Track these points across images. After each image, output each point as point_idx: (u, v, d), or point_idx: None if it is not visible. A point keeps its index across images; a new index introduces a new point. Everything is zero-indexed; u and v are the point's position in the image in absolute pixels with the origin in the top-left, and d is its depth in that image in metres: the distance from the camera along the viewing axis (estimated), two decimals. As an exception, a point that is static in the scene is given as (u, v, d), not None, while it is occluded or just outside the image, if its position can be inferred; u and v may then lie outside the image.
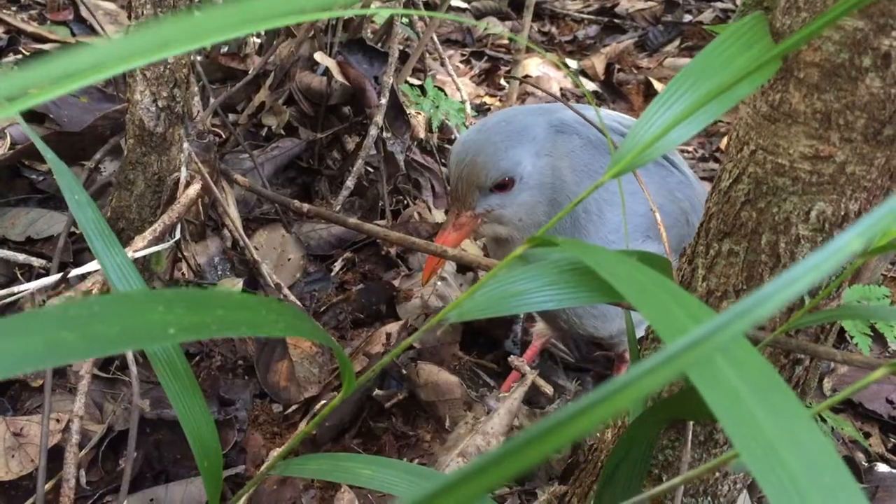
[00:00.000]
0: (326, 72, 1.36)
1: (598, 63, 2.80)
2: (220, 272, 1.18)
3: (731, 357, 0.27)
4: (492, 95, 2.49)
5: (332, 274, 1.31)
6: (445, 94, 1.55)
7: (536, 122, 0.95)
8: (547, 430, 0.18)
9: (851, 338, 0.96)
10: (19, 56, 1.45)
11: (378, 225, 1.29)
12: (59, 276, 0.73)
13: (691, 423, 0.63)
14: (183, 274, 1.13)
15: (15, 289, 0.73)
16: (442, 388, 1.06)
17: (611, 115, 1.04)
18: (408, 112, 1.36)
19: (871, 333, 0.89)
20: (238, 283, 1.18)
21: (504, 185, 0.91)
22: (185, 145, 0.89)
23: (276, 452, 0.90)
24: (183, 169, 0.88)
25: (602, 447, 0.75)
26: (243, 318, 0.35)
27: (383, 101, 1.28)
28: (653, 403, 0.65)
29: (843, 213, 0.56)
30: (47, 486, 0.81)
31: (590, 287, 0.46)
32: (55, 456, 0.83)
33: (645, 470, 0.63)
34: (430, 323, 0.46)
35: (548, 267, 0.47)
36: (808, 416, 0.25)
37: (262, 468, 0.53)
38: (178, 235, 0.91)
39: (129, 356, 0.75)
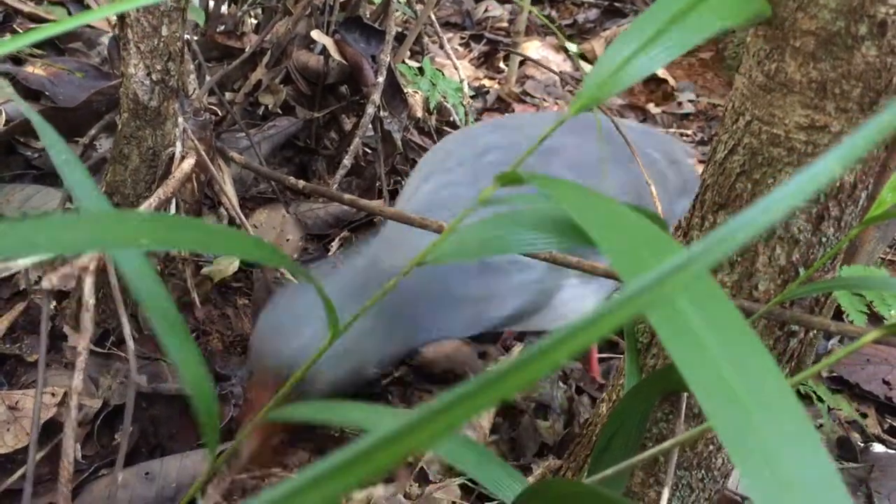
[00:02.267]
0: (324, 50, 1.35)
1: (598, 47, 2.79)
2: (216, 250, 1.18)
3: (694, 298, 0.27)
4: (491, 78, 2.48)
5: (329, 253, 1.31)
6: (443, 75, 1.55)
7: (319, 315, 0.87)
8: (506, 371, 0.18)
9: (847, 315, 0.96)
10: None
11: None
12: (53, 249, 0.73)
13: (685, 395, 0.64)
14: (179, 252, 1.13)
15: (10, 263, 0.73)
16: (454, 358, 1.07)
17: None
18: (405, 91, 1.35)
19: (868, 312, 0.89)
20: (235, 262, 1.18)
21: None
22: (180, 120, 0.88)
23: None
24: (178, 143, 0.87)
25: (597, 421, 0.75)
26: (216, 241, 0.35)
27: (380, 79, 1.27)
28: (647, 375, 0.65)
29: (838, 184, 0.56)
30: (39, 456, 0.81)
31: (564, 232, 0.46)
32: (50, 430, 0.84)
33: (638, 443, 0.63)
34: (408, 266, 0.46)
35: (523, 214, 0.47)
36: (773, 365, 0.25)
37: (256, 417, 0.53)
38: (173, 211, 0.90)
39: (126, 330, 0.75)
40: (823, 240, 0.58)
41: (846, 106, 0.53)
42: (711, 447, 0.67)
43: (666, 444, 0.44)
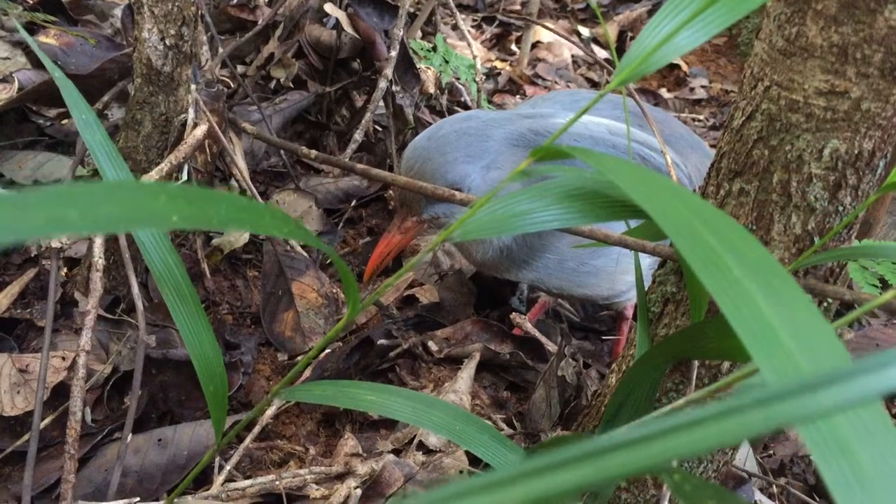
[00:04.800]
0: (336, 24, 1.35)
1: (611, 31, 2.78)
2: (226, 222, 1.18)
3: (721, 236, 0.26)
4: (502, 60, 2.47)
5: (339, 227, 1.30)
6: (455, 53, 1.54)
7: (490, 134, 0.93)
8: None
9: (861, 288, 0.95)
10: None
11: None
12: (65, 210, 0.73)
13: (696, 363, 0.63)
14: (190, 222, 1.13)
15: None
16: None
17: (611, 128, 1.00)
18: (418, 67, 1.35)
19: (880, 285, 0.89)
20: (245, 234, 1.18)
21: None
22: (193, 87, 0.88)
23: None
24: (190, 110, 0.87)
25: (606, 392, 0.75)
26: (246, 217, 0.35)
27: (393, 53, 1.27)
28: (657, 343, 0.65)
29: (856, 152, 0.55)
30: (49, 420, 0.82)
31: (595, 207, 0.46)
32: (60, 394, 0.84)
33: (648, 412, 0.63)
34: (432, 244, 0.46)
35: (551, 188, 0.46)
36: (806, 297, 0.25)
37: (269, 395, 0.53)
38: (185, 177, 0.90)
39: (135, 290, 0.75)
40: (840, 209, 0.57)
41: (867, 71, 0.52)
42: (721, 418, 0.66)
43: (678, 403, 0.44)
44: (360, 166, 0.87)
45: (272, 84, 1.43)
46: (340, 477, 0.82)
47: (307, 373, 0.99)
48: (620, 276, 1.03)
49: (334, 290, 1.14)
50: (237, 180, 1.17)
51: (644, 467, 0.16)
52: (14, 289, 0.95)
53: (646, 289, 0.69)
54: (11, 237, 0.25)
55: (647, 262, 0.99)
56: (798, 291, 0.28)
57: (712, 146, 1.79)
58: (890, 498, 0.17)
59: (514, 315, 1.13)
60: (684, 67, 2.66)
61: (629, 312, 1.14)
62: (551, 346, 1.09)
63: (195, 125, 0.87)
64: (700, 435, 0.17)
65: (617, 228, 0.66)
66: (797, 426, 0.18)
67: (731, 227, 0.31)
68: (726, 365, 0.64)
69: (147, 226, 0.30)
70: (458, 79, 1.60)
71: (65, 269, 0.99)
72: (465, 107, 1.67)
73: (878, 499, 0.17)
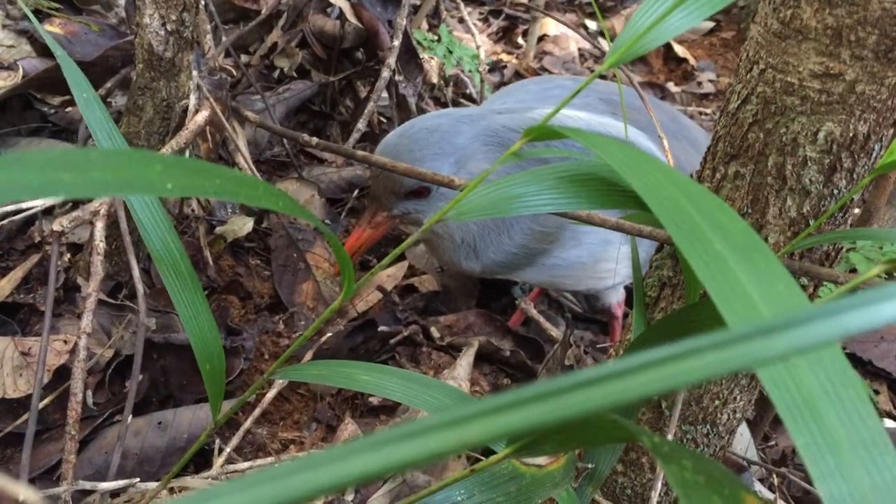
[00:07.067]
0: (340, 14, 1.35)
1: (618, 25, 2.77)
2: (230, 210, 1.19)
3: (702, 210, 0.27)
4: (509, 53, 2.47)
5: (342, 216, 1.31)
6: (460, 43, 1.54)
7: (462, 131, 0.92)
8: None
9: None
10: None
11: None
12: (66, 194, 0.74)
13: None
14: (192, 210, 1.14)
15: (23, 205, 0.73)
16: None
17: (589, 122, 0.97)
18: (421, 57, 1.35)
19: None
20: (249, 222, 1.19)
21: (420, 193, 0.91)
22: (194, 73, 0.88)
23: (281, 382, 0.91)
24: (192, 96, 0.88)
25: (603, 377, 0.75)
26: (240, 190, 0.35)
27: (396, 43, 1.27)
28: (652, 325, 0.65)
29: (851, 135, 0.55)
30: (49, 400, 0.83)
31: (591, 193, 0.46)
32: (62, 377, 0.85)
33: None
34: (429, 223, 0.46)
35: (546, 172, 0.46)
36: (785, 271, 0.25)
37: (265, 374, 0.53)
38: (186, 163, 0.91)
39: (136, 274, 0.75)
40: (835, 192, 0.57)
41: (861, 53, 0.52)
42: (717, 402, 0.67)
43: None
44: (360, 153, 0.87)
45: (276, 73, 1.44)
46: (339, 461, 0.82)
47: (308, 357, 0.99)
48: (599, 264, 1.01)
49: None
50: (241, 169, 1.18)
51: (602, 405, 0.16)
52: (17, 273, 0.95)
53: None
54: (9, 197, 0.25)
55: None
56: (777, 265, 0.28)
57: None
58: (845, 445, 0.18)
59: (518, 301, 1.14)
60: (692, 61, 2.66)
61: (618, 311, 1.12)
62: (554, 332, 1.09)
63: (196, 111, 0.88)
64: (658, 375, 0.17)
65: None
66: (755, 368, 0.18)
67: (716, 204, 0.32)
68: (721, 349, 0.64)
69: (141, 191, 0.30)
70: (462, 70, 1.60)
71: (68, 255, 1.00)
72: (471, 98, 1.67)
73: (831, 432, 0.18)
